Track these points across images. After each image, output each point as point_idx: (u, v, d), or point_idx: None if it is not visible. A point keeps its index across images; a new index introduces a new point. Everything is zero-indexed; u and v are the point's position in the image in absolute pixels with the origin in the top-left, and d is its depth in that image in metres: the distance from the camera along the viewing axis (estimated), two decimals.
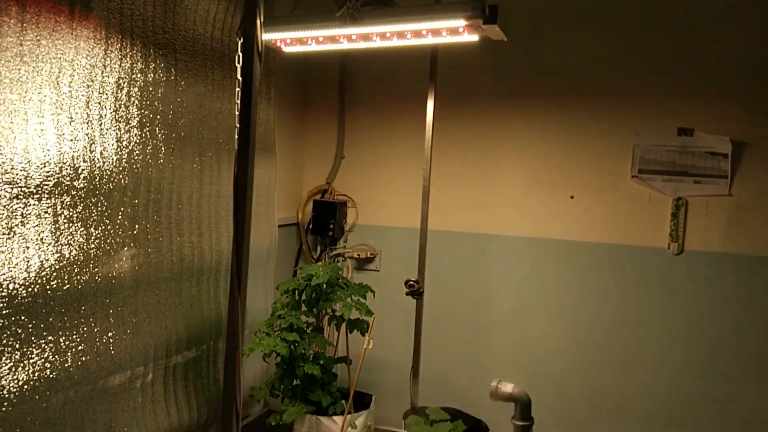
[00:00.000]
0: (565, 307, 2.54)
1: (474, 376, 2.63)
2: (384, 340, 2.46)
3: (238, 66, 1.32)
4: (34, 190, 1.41)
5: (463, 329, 2.68)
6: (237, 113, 1.36)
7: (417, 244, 2.35)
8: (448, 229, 2.68)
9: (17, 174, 1.37)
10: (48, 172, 1.45)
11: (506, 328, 2.63)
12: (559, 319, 2.55)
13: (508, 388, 1.81)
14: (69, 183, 1.50)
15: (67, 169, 1.49)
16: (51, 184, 1.45)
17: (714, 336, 2.37)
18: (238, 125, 1.36)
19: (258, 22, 1.29)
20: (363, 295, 2.23)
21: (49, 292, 1.45)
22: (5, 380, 1.36)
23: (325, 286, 2.20)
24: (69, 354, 1.52)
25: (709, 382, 2.38)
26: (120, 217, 1.66)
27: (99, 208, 1.59)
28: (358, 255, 2.79)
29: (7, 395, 1.37)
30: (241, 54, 1.31)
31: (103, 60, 1.59)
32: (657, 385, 2.44)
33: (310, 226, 2.80)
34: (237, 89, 1.33)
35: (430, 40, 1.81)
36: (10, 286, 1.36)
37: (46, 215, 1.45)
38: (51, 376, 1.47)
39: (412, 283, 2.32)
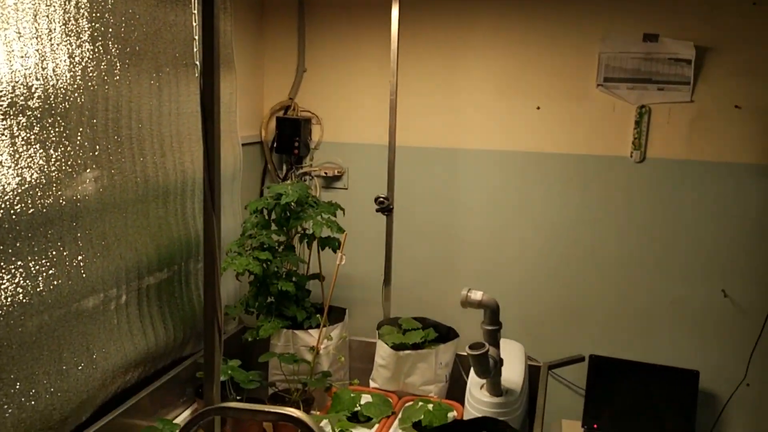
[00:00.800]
0: (530, 218, 2.60)
1: (444, 287, 2.70)
2: (356, 256, 2.49)
3: None
4: None
5: (432, 243, 2.73)
6: (195, 24, 1.30)
7: (385, 160, 2.35)
8: (415, 145, 2.67)
9: None
10: (0, 91, 1.37)
11: (474, 241, 2.69)
12: (525, 230, 2.62)
13: (477, 295, 1.87)
14: (23, 103, 1.43)
15: (20, 88, 1.42)
16: (5, 104, 1.38)
17: (672, 240, 2.47)
18: (197, 37, 1.30)
19: None
20: (333, 213, 2.24)
21: (13, 216, 1.41)
22: None
23: (294, 204, 2.20)
24: (40, 278, 1.50)
25: (666, 284, 2.51)
26: (79, 137, 1.60)
27: (57, 129, 1.53)
28: (326, 173, 2.77)
29: None
30: None
31: None
32: (617, 288, 2.56)
33: (275, 144, 2.75)
34: None
35: None
36: None
37: (3, 137, 1.38)
38: (24, 300, 1.45)
39: (381, 199, 2.33)
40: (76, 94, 1.58)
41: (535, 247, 2.62)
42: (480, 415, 1.82)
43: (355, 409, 2.01)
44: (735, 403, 2.51)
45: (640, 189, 2.45)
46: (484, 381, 1.93)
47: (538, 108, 2.51)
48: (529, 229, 2.61)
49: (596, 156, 2.47)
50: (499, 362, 1.86)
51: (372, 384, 2.20)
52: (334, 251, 2.20)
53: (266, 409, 1.14)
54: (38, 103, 1.47)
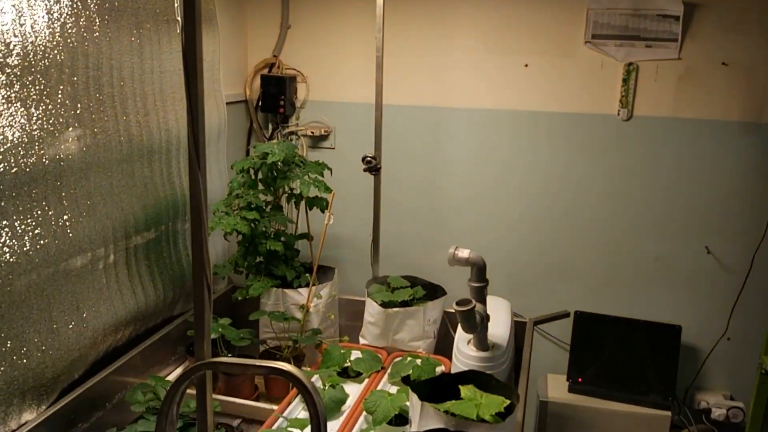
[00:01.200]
0: (517, 176, 2.61)
1: (432, 246, 2.72)
2: (344, 216, 2.49)
3: None
4: None
5: (420, 202, 2.74)
6: None
7: (372, 119, 2.33)
8: (403, 104, 2.65)
9: None
10: None
11: (462, 200, 2.70)
12: (512, 188, 2.63)
13: (464, 253, 1.88)
14: (2, 60, 1.40)
15: None
16: None
17: (657, 197, 2.50)
18: None
19: None
20: (320, 173, 2.23)
21: None
22: None
23: (281, 164, 2.19)
24: (26, 238, 1.49)
25: (650, 241, 2.55)
26: (60, 96, 1.58)
27: (37, 87, 1.50)
28: (312, 132, 2.76)
29: None
30: None
31: None
32: (602, 245, 2.60)
33: (259, 103, 2.72)
34: None
35: None
36: None
37: None
38: (11, 260, 1.45)
39: (369, 158, 2.32)
40: (55, 51, 1.55)
41: (522, 205, 2.64)
42: (467, 369, 1.86)
43: (345, 364, 2.04)
44: (715, 357, 2.58)
45: (627, 147, 2.47)
46: (471, 336, 1.96)
47: (526, 65, 2.49)
48: (516, 188, 2.63)
49: (583, 114, 2.47)
50: (486, 318, 1.89)
51: (361, 341, 2.23)
52: (322, 211, 2.21)
53: (257, 363, 1.15)
54: (17, 60, 1.44)
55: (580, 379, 2.52)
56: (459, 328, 1.97)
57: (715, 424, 2.53)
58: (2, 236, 1.43)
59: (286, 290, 2.17)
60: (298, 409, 1.83)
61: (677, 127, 2.40)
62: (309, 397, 1.06)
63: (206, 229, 1.07)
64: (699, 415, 2.57)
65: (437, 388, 1.56)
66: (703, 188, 2.44)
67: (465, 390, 1.55)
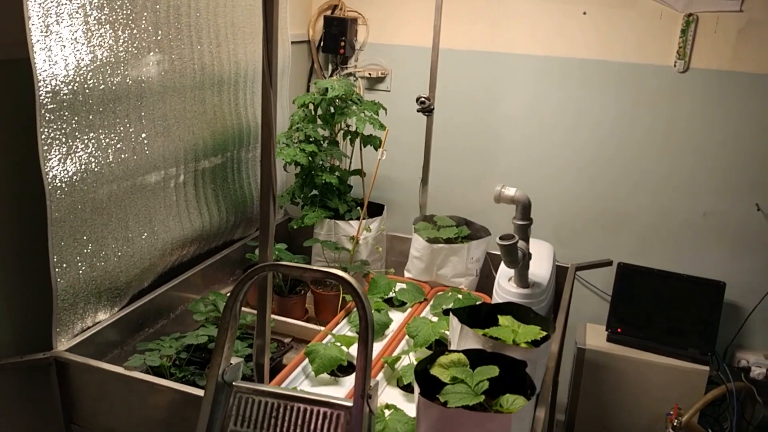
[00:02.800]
0: (570, 125, 2.64)
1: (480, 189, 2.78)
2: (394, 157, 2.57)
3: None
4: None
5: (471, 145, 2.79)
6: None
7: (428, 63, 2.38)
8: (459, 48, 2.69)
9: None
10: None
11: (512, 145, 2.74)
12: (563, 136, 2.66)
13: (510, 191, 1.94)
14: None
15: None
16: None
17: (709, 152, 2.49)
18: None
19: None
20: (376, 111, 2.32)
21: (87, 90, 1.54)
22: (56, 170, 1.50)
23: (339, 100, 2.28)
24: (110, 151, 1.64)
25: (700, 196, 2.54)
26: (144, 21, 1.70)
27: (124, 11, 1.63)
28: (370, 74, 2.83)
29: (59, 184, 1.51)
30: None
31: None
32: (651, 198, 2.61)
33: (321, 44, 2.81)
34: None
35: None
36: (53, 83, 1.44)
37: (77, 15, 1.49)
38: (95, 169, 1.61)
39: (423, 99, 2.38)
40: None
41: (573, 154, 2.66)
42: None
43: (390, 294, 2.15)
44: (758, 316, 2.58)
45: (681, 100, 2.45)
46: (512, 273, 2.04)
47: (585, 13, 2.49)
48: (568, 136, 2.65)
49: (639, 64, 2.47)
50: (528, 256, 1.96)
51: (406, 274, 2.33)
52: (376, 149, 2.29)
53: (313, 267, 1.27)
54: None
55: (619, 330, 2.56)
56: (501, 265, 2.05)
57: (753, 383, 2.54)
58: (89, 147, 1.58)
59: (338, 221, 2.28)
60: (345, 330, 1.97)
61: (734, 81, 2.37)
62: (358, 299, 1.16)
63: (275, 140, 1.18)
64: (738, 372, 2.58)
65: (476, 317, 1.62)
66: (757, 145, 2.42)
67: (503, 319, 1.61)
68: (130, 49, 1.66)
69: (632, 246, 2.68)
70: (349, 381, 1.70)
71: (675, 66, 2.42)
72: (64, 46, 1.46)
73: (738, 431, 2.52)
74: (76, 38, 1.49)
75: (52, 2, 1.42)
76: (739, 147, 2.45)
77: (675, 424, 2.34)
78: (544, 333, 1.54)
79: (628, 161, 2.60)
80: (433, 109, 2.40)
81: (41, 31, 1.40)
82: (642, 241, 2.66)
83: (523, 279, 2.00)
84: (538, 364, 1.50)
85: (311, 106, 2.32)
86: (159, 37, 1.76)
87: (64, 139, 1.50)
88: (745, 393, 2.54)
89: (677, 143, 2.51)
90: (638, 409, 2.50)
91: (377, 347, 1.84)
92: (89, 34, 1.53)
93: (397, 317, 2.04)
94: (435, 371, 1.37)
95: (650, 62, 2.45)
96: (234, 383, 1.26)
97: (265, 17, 1.21)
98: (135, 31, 1.67)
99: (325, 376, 1.69)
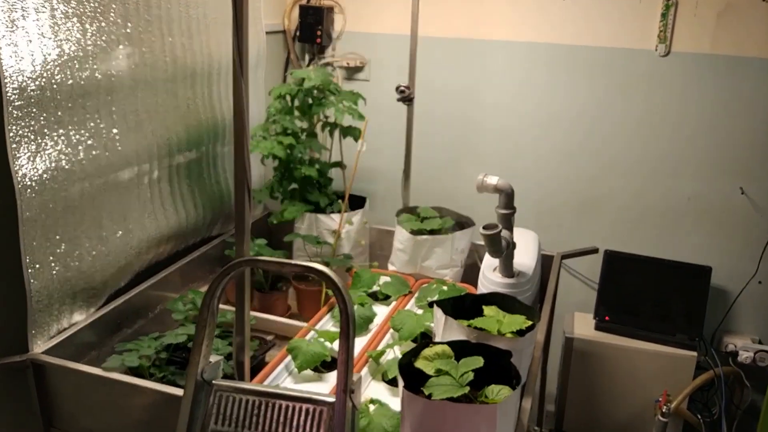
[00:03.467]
0: (550, 110, 2.62)
1: (462, 179, 2.75)
2: (375, 148, 2.54)
3: None
4: None
5: (452, 134, 2.76)
6: None
7: (407, 52, 2.35)
8: (439, 35, 2.66)
9: None
10: None
11: (493, 132, 2.72)
12: (545, 123, 2.64)
13: (493, 180, 1.91)
14: None
15: None
16: None
17: (692, 136, 2.48)
18: None
19: None
20: (354, 102, 2.28)
21: (54, 85, 1.49)
22: (26, 168, 1.45)
23: (317, 91, 2.24)
24: (80, 147, 1.60)
25: (684, 180, 2.54)
26: (112, 14, 1.66)
27: (92, 4, 1.58)
28: (348, 64, 2.79)
29: (29, 183, 1.46)
30: None
31: None
32: (634, 183, 2.60)
33: (297, 33, 2.76)
34: None
35: None
36: (19, 79, 1.40)
37: (44, 9, 1.44)
38: (66, 167, 1.56)
39: (402, 88, 2.35)
40: None
41: (555, 140, 2.65)
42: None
43: (374, 288, 2.12)
44: (744, 300, 2.58)
45: (663, 83, 2.44)
46: (497, 264, 2.01)
47: None
48: (550, 122, 2.63)
49: (620, 49, 2.45)
50: (512, 245, 1.93)
51: (390, 267, 2.31)
52: (356, 140, 2.26)
53: (293, 262, 1.23)
54: None
55: (606, 318, 2.55)
56: (486, 256, 2.02)
57: (741, 367, 2.53)
58: (59, 144, 1.53)
59: (319, 215, 2.25)
60: (329, 325, 1.93)
61: (715, 64, 2.36)
62: (338, 292, 1.14)
63: (248, 131, 1.14)
64: (726, 357, 2.58)
65: (461, 308, 1.60)
66: (740, 128, 2.42)
67: (488, 309, 1.59)
68: (98, 43, 1.61)
69: (618, 233, 2.67)
70: (334, 376, 1.67)
71: (656, 50, 2.40)
72: (31, 41, 1.42)
73: (727, 415, 2.52)
74: (42, 33, 1.45)
75: None
76: (722, 130, 2.44)
77: (664, 410, 2.33)
78: (530, 322, 1.53)
79: (610, 147, 2.58)
80: (413, 98, 2.36)
81: (6, 27, 1.37)
82: (627, 228, 2.65)
83: (507, 268, 1.98)
84: (523, 353, 1.49)
85: (288, 98, 2.27)
86: (128, 30, 1.72)
87: (32, 137, 1.45)
88: (734, 377, 2.54)
89: (661, 127, 2.50)
90: (628, 396, 2.50)
91: (361, 342, 1.81)
92: (56, 28, 1.48)
93: (381, 311, 2.01)
94: (419, 364, 1.35)
95: (632, 47, 2.44)
96: (214, 381, 1.23)
97: (234, 2, 1.17)
98: (103, 24, 1.62)
99: (308, 372, 1.66)
